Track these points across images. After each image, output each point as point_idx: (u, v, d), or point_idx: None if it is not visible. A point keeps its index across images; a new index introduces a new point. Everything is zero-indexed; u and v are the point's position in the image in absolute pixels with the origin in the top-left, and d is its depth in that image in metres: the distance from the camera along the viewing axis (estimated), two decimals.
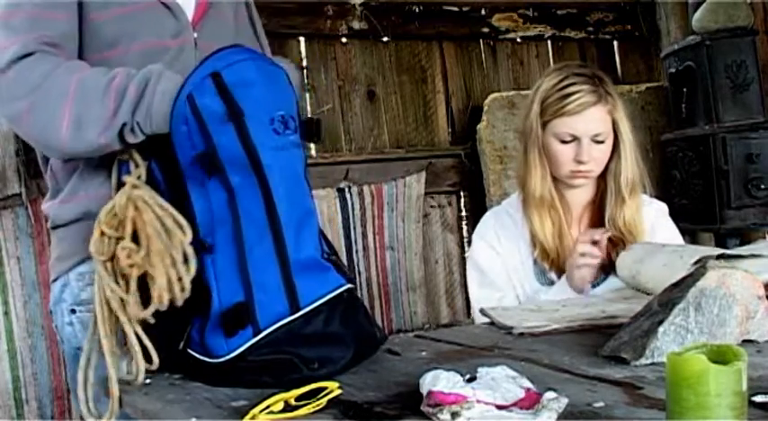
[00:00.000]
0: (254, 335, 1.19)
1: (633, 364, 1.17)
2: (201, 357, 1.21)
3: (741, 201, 3.01)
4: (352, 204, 3.20)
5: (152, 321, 1.22)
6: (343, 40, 3.26)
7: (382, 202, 3.24)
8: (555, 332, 1.44)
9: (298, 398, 1.04)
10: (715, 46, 3.07)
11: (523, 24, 3.58)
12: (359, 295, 1.37)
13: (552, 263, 1.92)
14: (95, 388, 1.27)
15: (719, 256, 1.48)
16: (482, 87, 3.50)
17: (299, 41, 3.19)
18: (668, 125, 3.44)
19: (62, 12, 1.38)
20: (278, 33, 2.98)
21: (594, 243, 1.84)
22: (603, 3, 3.72)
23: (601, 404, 0.99)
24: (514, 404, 0.94)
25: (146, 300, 1.22)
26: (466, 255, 2.89)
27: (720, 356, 0.80)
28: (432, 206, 3.38)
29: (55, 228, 1.51)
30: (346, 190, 3.19)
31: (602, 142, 1.88)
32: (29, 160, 2.63)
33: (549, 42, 3.66)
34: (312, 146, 3.12)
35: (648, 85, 3.60)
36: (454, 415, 0.90)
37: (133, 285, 1.22)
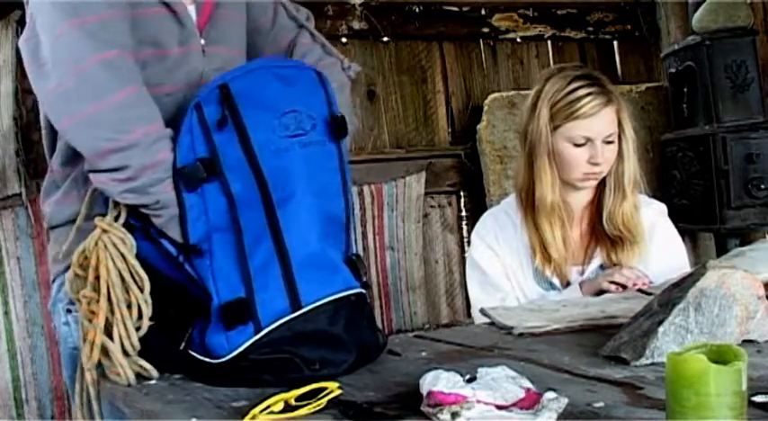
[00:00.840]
0: (256, 333, 1.19)
1: (633, 364, 1.17)
2: (202, 358, 1.22)
3: (741, 201, 3.01)
4: (353, 204, 3.20)
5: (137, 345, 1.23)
6: (344, 40, 3.26)
7: (382, 202, 3.24)
8: (555, 332, 1.44)
9: (298, 399, 1.04)
10: (715, 46, 3.07)
11: (523, 24, 3.58)
12: (368, 299, 1.36)
13: (554, 268, 1.92)
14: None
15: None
16: (482, 87, 3.50)
17: None
18: (668, 125, 3.44)
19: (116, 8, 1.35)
20: None
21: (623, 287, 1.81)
22: (603, 3, 3.72)
23: (601, 404, 0.99)
24: (514, 404, 0.94)
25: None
26: (466, 254, 2.89)
27: (720, 356, 0.80)
28: (432, 206, 3.38)
29: (51, 228, 1.52)
30: None
31: (612, 142, 1.89)
32: (29, 160, 2.64)
33: (549, 42, 3.65)
34: None
35: (648, 85, 3.60)
36: (454, 415, 0.90)
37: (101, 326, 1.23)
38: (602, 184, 1.94)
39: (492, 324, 1.57)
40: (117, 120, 1.26)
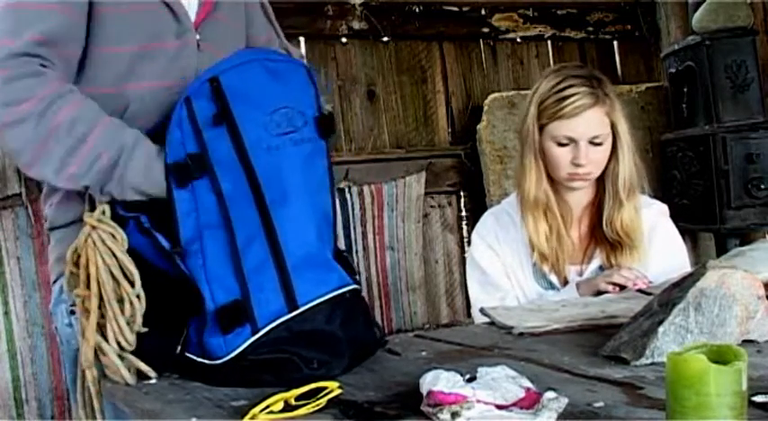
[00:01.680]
0: (253, 334, 1.18)
1: (633, 364, 1.17)
2: (200, 359, 1.21)
3: (741, 201, 3.01)
4: (352, 204, 3.20)
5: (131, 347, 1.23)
6: (344, 40, 3.26)
7: (382, 202, 3.24)
8: (555, 332, 1.44)
9: (298, 398, 1.04)
10: (715, 46, 3.07)
11: (523, 24, 3.58)
12: (363, 295, 1.36)
13: (552, 266, 1.92)
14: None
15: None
16: (482, 87, 3.50)
17: (299, 41, 3.19)
18: (668, 125, 3.44)
19: (78, 14, 1.36)
20: None
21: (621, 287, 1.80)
22: (603, 3, 3.72)
23: (601, 404, 0.99)
24: (514, 404, 0.94)
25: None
26: (466, 254, 2.89)
27: (720, 356, 0.80)
28: (432, 206, 3.38)
29: (52, 229, 1.52)
30: (346, 190, 3.19)
31: (600, 144, 1.87)
32: None
33: (549, 42, 3.65)
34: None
35: (648, 85, 3.60)
36: (454, 415, 0.90)
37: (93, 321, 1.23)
38: (602, 187, 1.94)
39: (492, 324, 1.57)
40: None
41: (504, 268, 1.95)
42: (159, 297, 1.25)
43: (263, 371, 1.17)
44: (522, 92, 3.40)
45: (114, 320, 1.22)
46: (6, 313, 2.62)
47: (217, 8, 1.52)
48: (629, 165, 1.90)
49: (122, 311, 1.22)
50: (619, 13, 3.75)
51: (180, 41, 1.45)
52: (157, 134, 1.30)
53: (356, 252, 3.19)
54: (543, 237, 1.90)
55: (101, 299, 1.23)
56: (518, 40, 3.59)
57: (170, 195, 1.24)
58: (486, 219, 2.05)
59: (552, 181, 1.92)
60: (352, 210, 3.20)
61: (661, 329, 1.17)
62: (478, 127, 3.32)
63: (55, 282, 1.51)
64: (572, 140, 1.86)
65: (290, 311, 1.19)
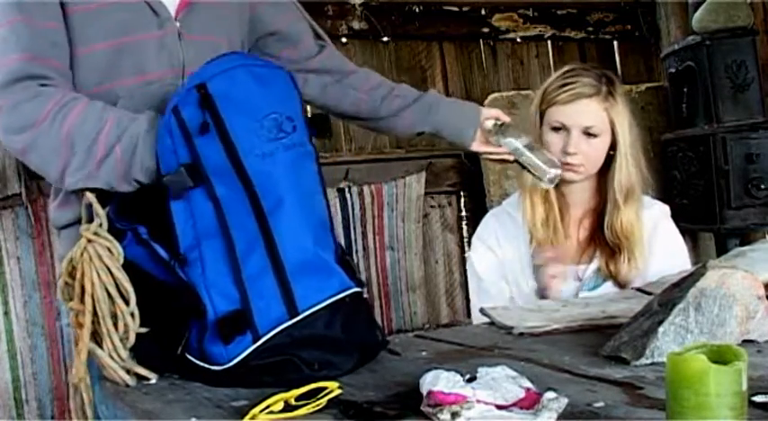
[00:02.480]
0: (254, 341, 1.18)
1: (633, 364, 1.17)
2: (201, 363, 1.21)
3: (741, 201, 3.01)
4: (352, 204, 3.20)
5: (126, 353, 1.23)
6: (344, 40, 3.26)
7: (382, 202, 3.24)
8: (555, 332, 1.44)
9: (298, 398, 1.04)
10: (715, 46, 3.07)
11: (523, 24, 3.58)
12: (366, 296, 1.36)
13: (548, 259, 1.92)
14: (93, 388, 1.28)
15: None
16: (482, 87, 3.50)
17: None
18: (668, 125, 3.44)
19: (52, 20, 1.37)
20: None
21: None
22: (603, 3, 3.72)
23: (601, 404, 0.99)
24: (514, 404, 0.94)
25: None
26: (466, 255, 2.89)
27: (720, 356, 0.80)
28: (432, 206, 3.38)
29: (58, 228, 1.53)
30: (346, 190, 3.19)
31: (594, 136, 1.86)
32: None
33: (549, 42, 3.65)
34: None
35: (648, 85, 3.60)
36: (454, 415, 0.90)
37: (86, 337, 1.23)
38: (604, 192, 1.93)
39: (492, 324, 1.57)
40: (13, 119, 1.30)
41: (503, 270, 1.95)
42: (158, 304, 1.25)
43: (264, 373, 1.17)
44: (523, 92, 3.40)
45: (108, 337, 1.21)
46: (6, 313, 2.62)
47: None
48: (626, 169, 1.88)
49: (116, 328, 1.21)
50: (619, 13, 3.75)
51: (161, 31, 1.45)
52: None
53: (356, 252, 3.19)
54: (540, 222, 1.91)
55: (95, 314, 1.22)
56: (518, 40, 3.59)
57: (166, 206, 1.23)
58: (487, 221, 2.05)
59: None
60: (352, 210, 3.20)
61: (661, 329, 1.17)
62: None
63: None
64: (565, 127, 1.86)
65: (290, 318, 1.19)
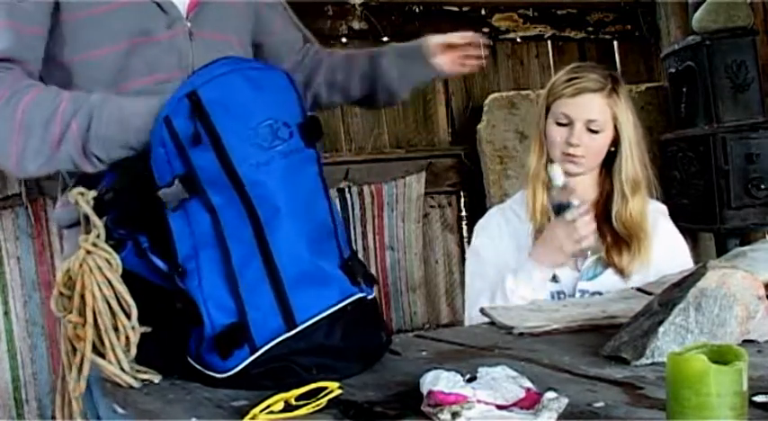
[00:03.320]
0: (252, 353, 1.17)
1: (633, 364, 1.17)
2: (200, 368, 1.20)
3: (741, 201, 3.01)
4: (352, 204, 3.20)
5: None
6: (344, 40, 3.26)
7: (382, 202, 3.24)
8: (555, 332, 1.44)
9: (298, 398, 1.04)
10: (715, 46, 3.07)
11: (523, 24, 3.58)
12: (373, 296, 1.34)
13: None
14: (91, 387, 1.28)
15: None
16: (482, 87, 3.50)
17: None
18: (668, 125, 3.44)
19: (37, 25, 1.38)
20: None
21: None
22: (603, 3, 3.72)
23: (601, 404, 0.99)
24: (515, 404, 0.94)
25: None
26: (466, 254, 2.89)
27: (721, 356, 0.80)
28: (432, 206, 3.38)
29: (62, 228, 1.54)
30: (346, 190, 3.19)
31: (596, 131, 1.90)
32: None
33: (549, 42, 3.66)
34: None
35: (648, 85, 3.60)
36: (454, 415, 0.90)
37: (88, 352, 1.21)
38: (609, 185, 1.96)
39: (492, 324, 1.57)
40: None
41: (502, 258, 1.97)
42: (159, 309, 1.24)
43: (264, 379, 1.16)
44: (522, 92, 3.41)
45: (112, 350, 1.20)
46: (6, 313, 2.62)
47: None
48: (632, 163, 1.93)
49: (119, 340, 1.20)
50: (619, 13, 3.75)
51: (172, 31, 1.44)
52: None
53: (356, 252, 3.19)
54: (540, 209, 1.94)
55: (95, 328, 1.20)
56: (518, 40, 3.59)
57: (164, 218, 1.21)
58: (492, 214, 2.09)
59: (553, 162, 1.94)
60: (352, 210, 3.20)
61: (661, 329, 1.17)
62: (478, 127, 3.32)
63: None
64: (569, 120, 1.90)
65: (288, 329, 1.17)
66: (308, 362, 1.17)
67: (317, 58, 1.78)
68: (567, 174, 1.92)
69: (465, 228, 3.43)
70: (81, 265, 1.21)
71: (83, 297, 1.21)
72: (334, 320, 1.20)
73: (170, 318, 1.22)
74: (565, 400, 0.93)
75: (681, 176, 3.22)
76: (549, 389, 0.96)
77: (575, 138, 1.89)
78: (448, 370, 1.00)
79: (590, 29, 3.70)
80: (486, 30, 3.51)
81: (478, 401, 0.92)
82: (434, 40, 1.75)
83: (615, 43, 3.78)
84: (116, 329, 1.20)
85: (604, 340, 1.27)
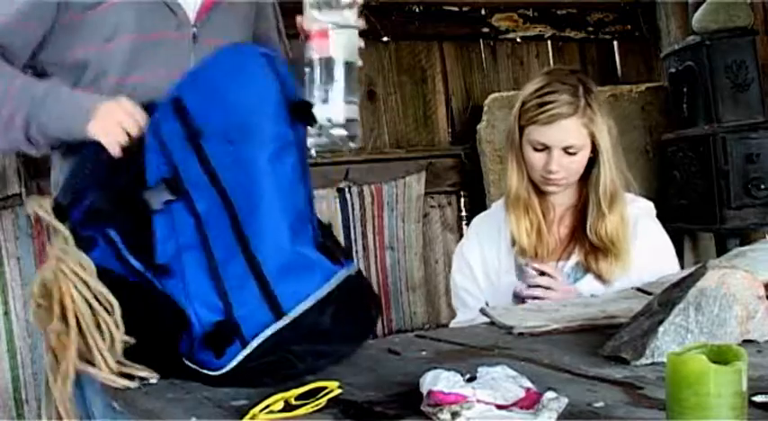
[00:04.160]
0: (243, 347, 1.17)
1: (633, 364, 1.17)
2: (194, 367, 1.21)
3: (741, 201, 3.00)
4: (352, 204, 3.20)
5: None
6: None
7: (382, 202, 3.24)
8: (555, 332, 1.44)
9: (298, 398, 1.04)
10: (715, 46, 3.07)
11: (523, 24, 3.58)
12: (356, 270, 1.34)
13: (531, 258, 1.93)
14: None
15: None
16: (482, 87, 3.50)
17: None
18: (668, 125, 3.43)
19: (34, 20, 1.46)
20: None
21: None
22: (603, 3, 3.72)
23: (601, 404, 0.99)
24: (515, 404, 0.94)
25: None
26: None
27: (720, 356, 0.80)
28: (432, 206, 3.38)
29: None
30: (346, 190, 3.19)
31: (574, 154, 1.86)
32: (29, 160, 2.63)
33: (549, 42, 3.65)
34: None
35: (648, 84, 3.59)
36: (454, 414, 0.90)
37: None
38: (585, 191, 1.94)
39: (492, 324, 1.57)
40: None
41: (483, 272, 1.97)
42: (141, 310, 1.24)
43: (261, 374, 1.17)
44: None
45: (98, 351, 1.19)
46: (6, 313, 2.62)
47: (221, 3, 1.54)
48: (610, 176, 1.89)
49: (104, 341, 1.20)
50: (619, 13, 3.75)
51: (177, 34, 1.49)
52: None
53: (356, 252, 3.19)
54: (524, 233, 1.92)
55: (79, 332, 1.20)
56: (518, 40, 3.59)
57: (149, 219, 1.23)
58: (470, 230, 2.10)
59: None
60: (352, 210, 3.20)
61: (661, 329, 1.17)
62: (478, 127, 3.32)
63: None
64: (545, 146, 1.86)
65: (277, 320, 1.18)
66: (302, 351, 1.18)
67: None
68: (549, 193, 1.92)
69: (465, 228, 3.43)
70: (55, 273, 1.21)
71: (62, 303, 1.20)
72: (323, 304, 1.21)
73: (154, 320, 1.23)
74: (565, 400, 0.93)
75: (681, 176, 3.22)
76: (549, 389, 0.96)
77: (554, 164, 1.86)
78: (448, 370, 1.00)
79: (590, 29, 3.70)
80: (486, 30, 3.51)
81: (478, 401, 0.92)
82: None
83: (615, 43, 3.78)
84: (99, 328, 1.20)
85: (604, 340, 1.27)
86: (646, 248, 1.92)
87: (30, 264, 2.66)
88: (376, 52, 3.33)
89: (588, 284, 1.88)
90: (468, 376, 1.00)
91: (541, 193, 1.94)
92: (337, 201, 3.16)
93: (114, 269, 1.25)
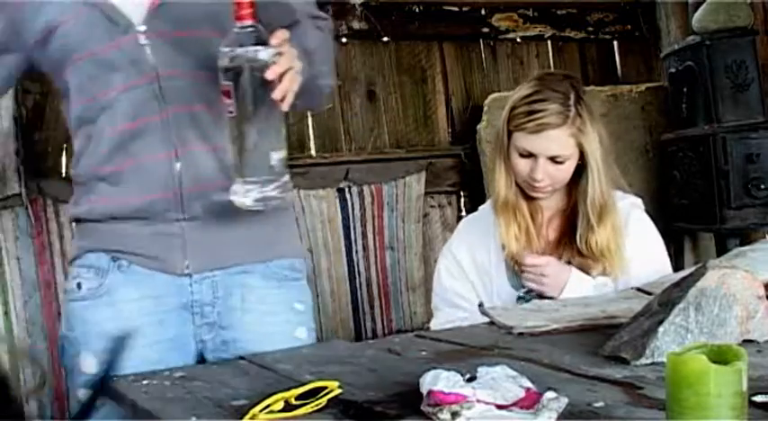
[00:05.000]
0: None
1: (633, 364, 1.17)
2: None
3: (741, 201, 3.00)
4: (352, 204, 3.20)
5: None
6: (343, 40, 3.26)
7: (382, 202, 3.24)
8: (555, 332, 1.44)
9: (298, 398, 1.04)
10: (715, 46, 3.07)
11: (523, 24, 3.58)
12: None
13: (520, 266, 1.92)
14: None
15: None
16: (482, 87, 3.50)
17: None
18: (668, 125, 3.43)
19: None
20: None
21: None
22: (603, 3, 3.72)
23: (601, 404, 0.99)
24: (514, 404, 0.94)
25: None
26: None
27: (720, 356, 0.80)
28: (432, 206, 3.38)
29: (71, 221, 1.63)
30: (346, 190, 3.19)
31: (560, 163, 1.84)
32: (29, 160, 2.64)
33: (549, 42, 3.65)
34: (312, 147, 3.14)
35: (648, 84, 3.59)
36: (454, 414, 0.90)
37: None
38: (575, 195, 1.92)
39: (492, 324, 1.57)
40: None
41: (472, 275, 1.96)
42: None
43: None
44: None
45: None
46: (6, 313, 2.62)
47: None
48: (599, 188, 1.87)
49: None
50: (619, 13, 3.75)
51: (123, 38, 1.42)
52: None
53: (356, 252, 3.19)
54: (513, 237, 1.90)
55: None
56: (518, 40, 3.59)
57: None
58: (459, 231, 2.08)
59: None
60: (352, 209, 3.20)
61: (661, 329, 1.17)
62: (478, 127, 3.32)
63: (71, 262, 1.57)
64: (531, 154, 1.84)
65: None
66: None
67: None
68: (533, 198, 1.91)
69: None
70: None
71: None
72: None
73: None
74: (565, 400, 0.93)
75: (681, 176, 3.22)
76: (549, 389, 0.96)
77: (539, 172, 1.84)
78: (448, 370, 1.00)
79: (590, 29, 3.70)
80: (486, 30, 3.51)
81: (478, 401, 0.92)
82: None
83: (615, 43, 3.78)
84: None
85: (604, 340, 1.27)
86: (638, 250, 1.90)
87: (30, 264, 2.66)
88: (376, 52, 3.34)
89: (579, 280, 1.87)
90: (468, 376, 1.00)
91: (529, 197, 1.92)
92: (337, 201, 3.16)
93: None
